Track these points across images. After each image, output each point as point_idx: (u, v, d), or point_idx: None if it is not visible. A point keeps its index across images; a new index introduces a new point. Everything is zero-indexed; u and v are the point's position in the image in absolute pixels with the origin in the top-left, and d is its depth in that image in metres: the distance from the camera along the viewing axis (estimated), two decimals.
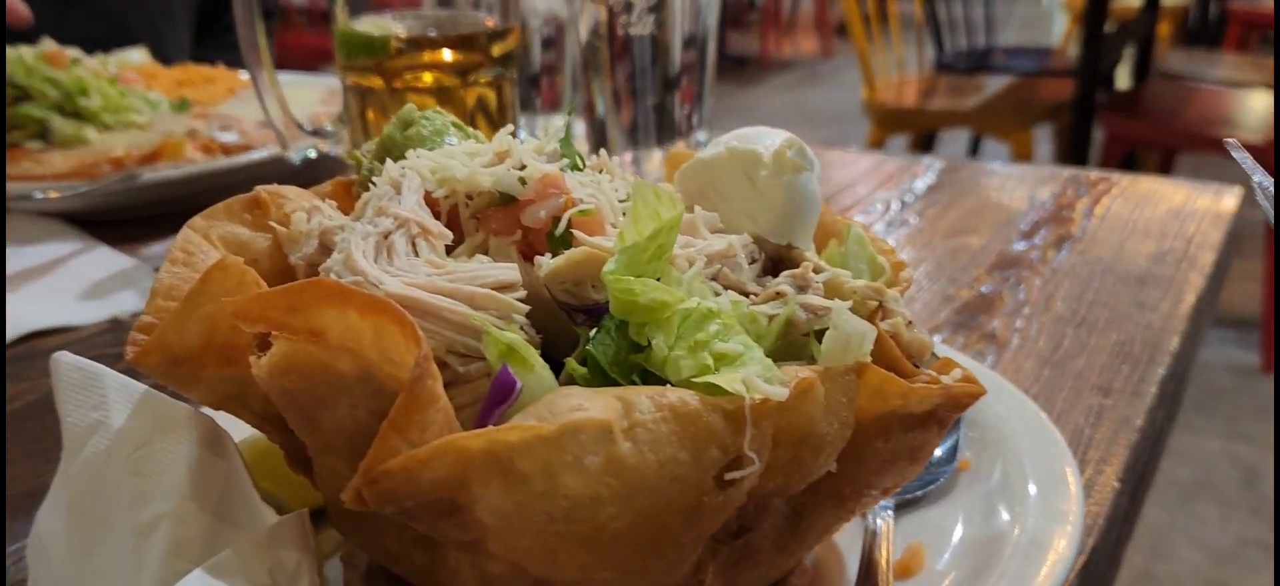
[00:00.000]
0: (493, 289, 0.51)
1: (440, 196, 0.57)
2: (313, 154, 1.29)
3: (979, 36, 6.02)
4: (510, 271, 0.52)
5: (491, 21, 1.23)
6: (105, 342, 1.07)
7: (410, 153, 0.60)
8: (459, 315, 0.49)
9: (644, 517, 0.44)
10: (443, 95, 1.22)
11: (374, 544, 0.57)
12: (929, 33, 5.70)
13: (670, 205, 0.51)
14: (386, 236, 0.54)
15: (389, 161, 0.59)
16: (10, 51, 1.55)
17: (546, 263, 0.53)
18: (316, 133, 1.29)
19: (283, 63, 2.21)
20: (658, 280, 0.50)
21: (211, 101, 1.71)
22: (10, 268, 1.25)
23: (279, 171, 1.36)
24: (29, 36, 1.59)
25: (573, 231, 0.54)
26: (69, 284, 1.21)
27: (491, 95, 1.25)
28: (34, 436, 0.90)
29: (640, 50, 1.27)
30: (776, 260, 0.61)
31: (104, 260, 1.28)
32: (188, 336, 0.52)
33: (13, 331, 1.08)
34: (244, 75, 1.85)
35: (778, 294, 0.55)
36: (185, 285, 0.54)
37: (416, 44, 1.20)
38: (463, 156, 0.58)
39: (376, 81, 1.21)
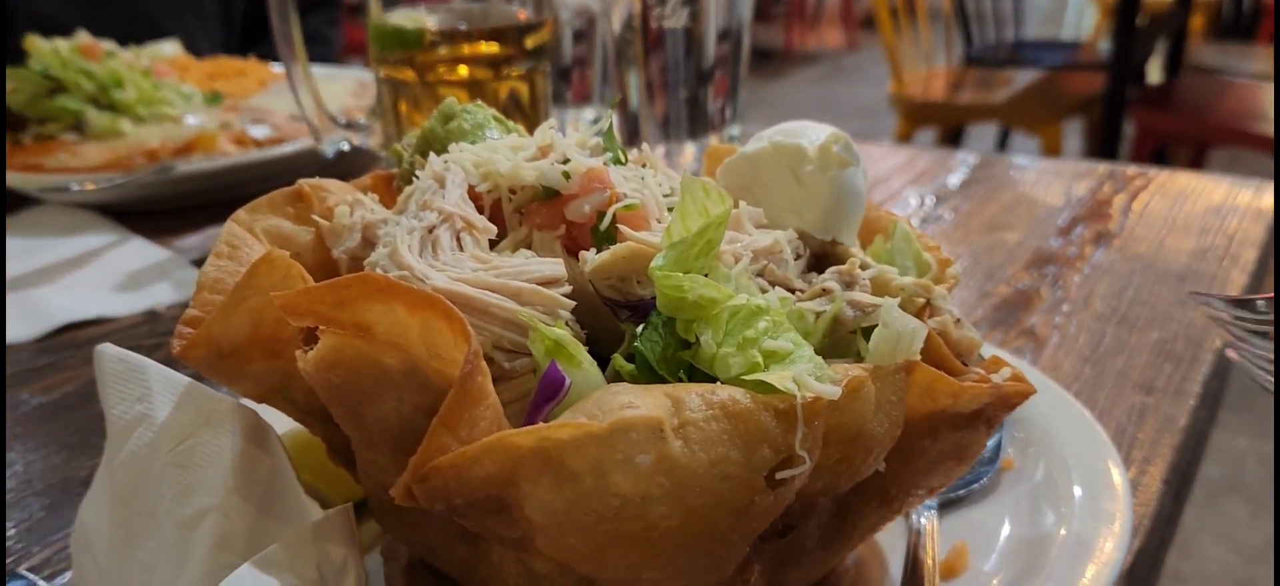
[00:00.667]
0: (538, 284, 0.50)
1: (484, 191, 0.56)
2: (345, 146, 1.29)
3: (1007, 29, 5.96)
4: (556, 266, 0.51)
5: (524, 14, 1.23)
6: (142, 334, 1.08)
7: (453, 147, 0.60)
8: (506, 311, 0.49)
9: (694, 516, 0.44)
10: (475, 88, 1.22)
11: (416, 538, 0.57)
12: (957, 25, 5.65)
13: (719, 201, 0.51)
14: (431, 231, 0.53)
15: (432, 155, 0.59)
16: (45, 44, 1.56)
17: (591, 258, 0.52)
18: (349, 125, 1.29)
19: (318, 56, 2.22)
20: (705, 276, 0.50)
21: (243, 94, 1.71)
22: (47, 259, 1.26)
23: (311, 164, 1.36)
24: (65, 29, 1.61)
25: (618, 226, 0.53)
26: (105, 276, 1.21)
27: (524, 88, 1.24)
28: (74, 427, 0.90)
29: (673, 43, 1.26)
30: (821, 256, 0.61)
31: (139, 252, 1.28)
32: (234, 330, 0.52)
33: (51, 322, 1.08)
34: (275, 67, 1.86)
35: (824, 290, 0.55)
36: (231, 279, 0.54)
37: (450, 37, 1.19)
38: (506, 150, 0.58)
39: (409, 74, 1.20)
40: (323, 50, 2.46)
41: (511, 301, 0.49)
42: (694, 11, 1.23)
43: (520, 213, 0.57)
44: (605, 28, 1.44)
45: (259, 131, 1.50)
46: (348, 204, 0.60)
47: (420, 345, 0.46)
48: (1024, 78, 5.20)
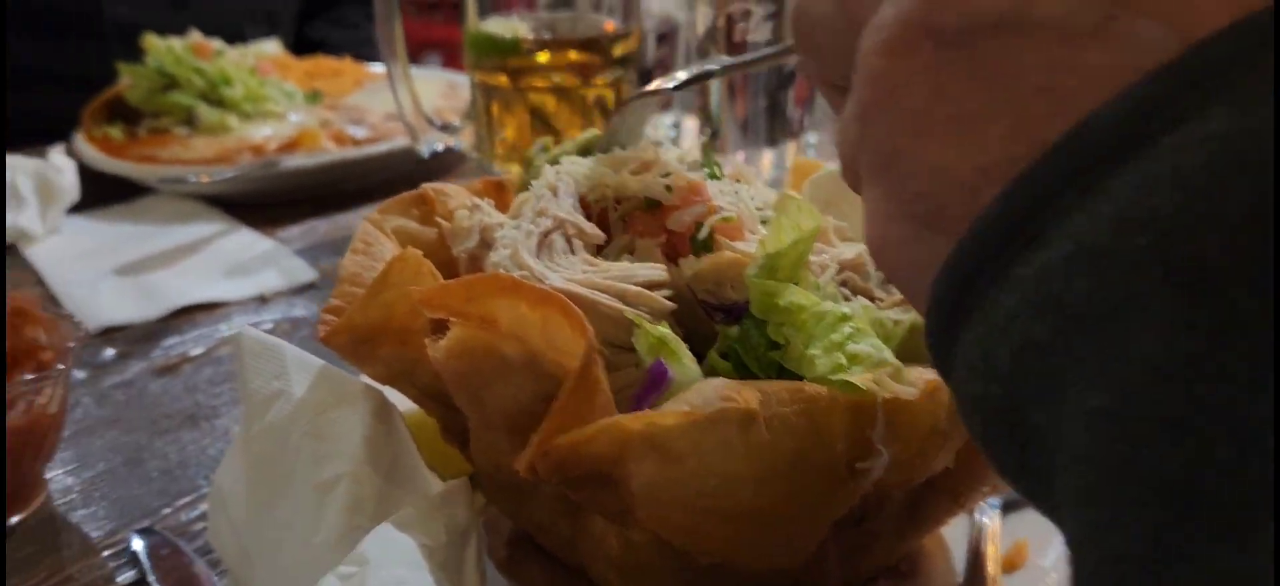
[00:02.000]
0: (644, 287, 0.56)
1: (592, 200, 0.62)
2: (439, 147, 1.36)
3: None
4: (659, 271, 0.57)
5: (612, 25, 1.29)
6: (252, 317, 1.16)
7: (564, 159, 0.65)
8: (614, 310, 0.54)
9: (780, 499, 0.49)
10: (564, 95, 1.28)
11: (522, 513, 0.63)
12: None
13: (811, 217, 0.56)
14: (547, 235, 0.59)
15: (546, 166, 0.65)
16: (160, 42, 1.66)
17: (690, 264, 0.58)
18: (444, 127, 1.36)
19: (346, 44, 2.23)
20: (795, 284, 0.55)
21: (340, 93, 1.80)
22: (162, 245, 1.36)
23: (406, 162, 1.44)
24: (179, 27, 1.70)
25: (715, 236, 0.59)
26: (217, 262, 1.30)
27: (610, 95, 1.30)
28: (193, 400, 0.98)
29: (754, 50, 1.31)
30: None
31: (246, 241, 1.37)
32: (370, 318, 0.58)
33: (169, 304, 1.17)
34: (371, 67, 1.94)
35: (903, 301, 0.59)
36: (366, 272, 0.61)
37: (542, 45, 1.26)
38: (613, 164, 0.63)
39: (502, 80, 1.27)
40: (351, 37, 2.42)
41: (619, 302, 0.55)
42: (777, 24, 1.28)
43: (625, 221, 0.62)
44: (689, 35, 1.50)
45: (358, 130, 1.58)
46: (467, 208, 0.66)
47: (540, 338, 0.52)
48: None
